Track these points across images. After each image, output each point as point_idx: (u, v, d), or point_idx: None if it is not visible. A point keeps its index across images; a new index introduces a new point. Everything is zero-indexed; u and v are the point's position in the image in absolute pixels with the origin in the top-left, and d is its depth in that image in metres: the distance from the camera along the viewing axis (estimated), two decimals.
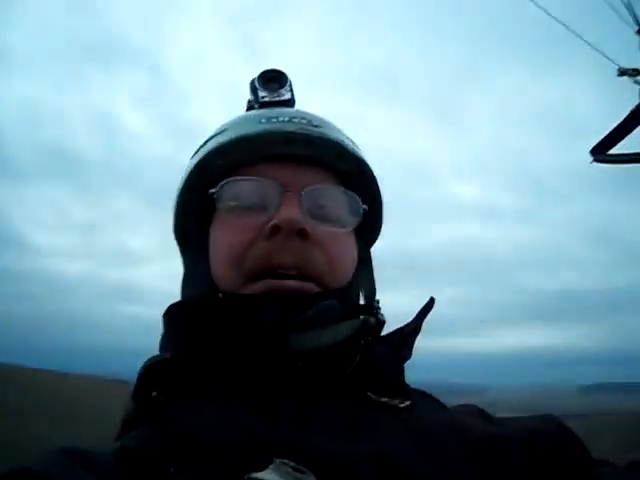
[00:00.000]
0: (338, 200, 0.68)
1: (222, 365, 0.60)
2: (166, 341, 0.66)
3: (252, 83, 0.78)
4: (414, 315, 0.68)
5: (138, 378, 0.59)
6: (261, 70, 0.78)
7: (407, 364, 0.68)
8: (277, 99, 0.76)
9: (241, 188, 0.66)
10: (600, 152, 1.14)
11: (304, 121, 0.69)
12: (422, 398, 0.68)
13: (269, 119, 0.68)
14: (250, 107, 0.79)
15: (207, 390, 0.59)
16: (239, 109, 0.80)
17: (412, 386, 0.69)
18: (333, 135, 0.69)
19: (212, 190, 0.66)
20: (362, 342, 0.63)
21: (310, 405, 0.57)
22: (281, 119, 0.68)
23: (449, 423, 0.60)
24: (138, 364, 0.59)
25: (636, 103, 1.13)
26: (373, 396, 0.62)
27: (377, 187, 0.74)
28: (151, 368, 0.58)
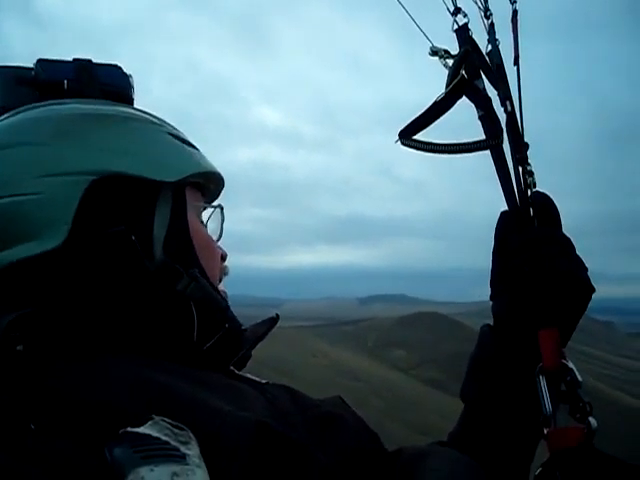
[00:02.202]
0: None
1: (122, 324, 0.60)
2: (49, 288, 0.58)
3: (131, 81, 0.74)
4: (261, 323, 0.76)
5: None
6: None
7: None
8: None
9: (215, 216, 0.75)
10: (406, 135, 1.07)
11: None
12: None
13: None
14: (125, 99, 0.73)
15: (90, 345, 0.57)
16: None
17: None
18: None
19: (208, 205, 0.74)
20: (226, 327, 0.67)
21: (199, 371, 0.61)
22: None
23: (291, 401, 0.68)
24: None
25: (443, 91, 1.04)
26: (237, 371, 0.70)
27: None
28: (22, 318, 0.54)
